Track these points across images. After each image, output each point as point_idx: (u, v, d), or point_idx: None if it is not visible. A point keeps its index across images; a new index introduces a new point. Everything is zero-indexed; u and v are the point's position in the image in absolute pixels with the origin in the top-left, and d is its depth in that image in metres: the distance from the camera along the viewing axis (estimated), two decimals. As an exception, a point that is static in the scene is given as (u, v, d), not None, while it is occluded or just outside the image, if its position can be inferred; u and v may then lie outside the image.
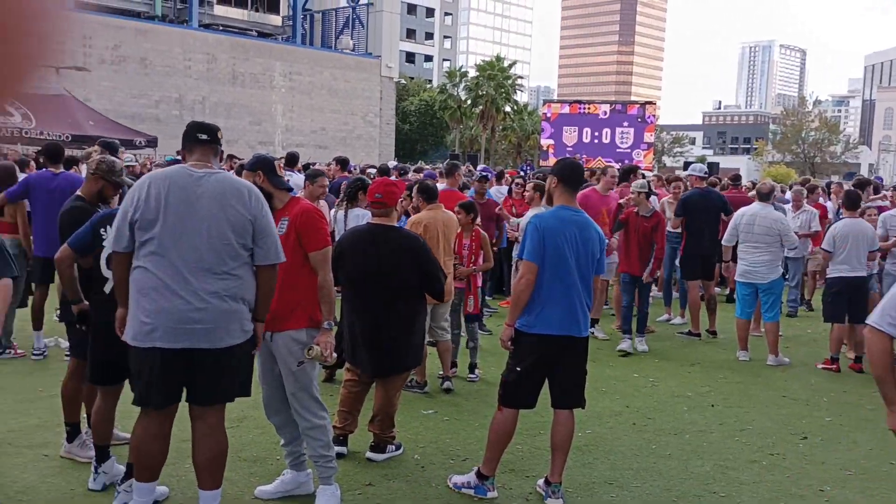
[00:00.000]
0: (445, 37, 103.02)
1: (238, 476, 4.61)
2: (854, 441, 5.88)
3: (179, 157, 14.67)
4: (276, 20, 42.00)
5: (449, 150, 54.77)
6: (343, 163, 12.36)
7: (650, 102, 35.05)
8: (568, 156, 32.27)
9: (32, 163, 9.88)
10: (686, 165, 17.73)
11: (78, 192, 4.94)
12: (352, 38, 42.69)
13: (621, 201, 8.80)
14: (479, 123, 57.46)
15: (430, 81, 77.68)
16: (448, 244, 6.39)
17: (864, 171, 60.67)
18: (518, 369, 4.44)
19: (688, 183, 10.37)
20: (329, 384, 6.54)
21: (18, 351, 7.15)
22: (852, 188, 10.11)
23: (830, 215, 11.83)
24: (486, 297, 9.62)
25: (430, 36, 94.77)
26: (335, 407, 5.15)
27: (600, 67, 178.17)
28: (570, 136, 32.01)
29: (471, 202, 7.32)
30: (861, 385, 7.40)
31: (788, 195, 12.04)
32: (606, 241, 4.80)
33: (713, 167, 24.74)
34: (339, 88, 41.23)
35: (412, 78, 68.56)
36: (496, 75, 56.23)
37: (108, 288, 4.17)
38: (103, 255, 4.19)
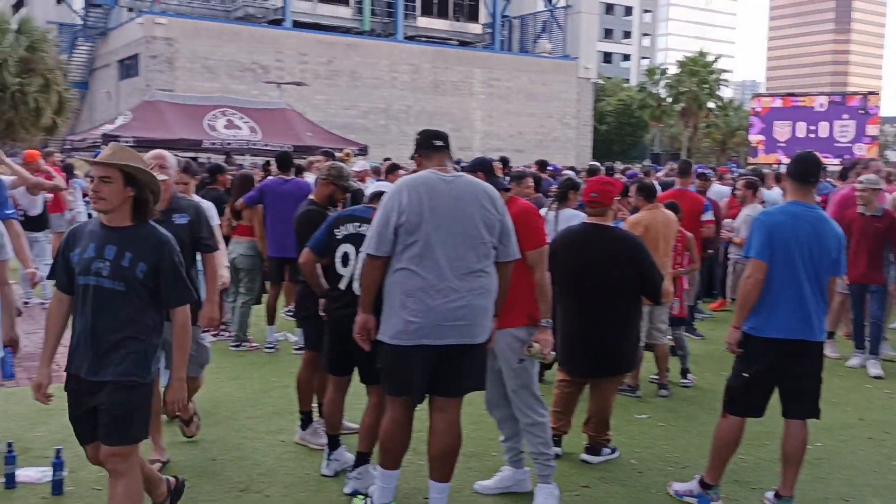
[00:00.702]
0: (644, 34, 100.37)
1: (456, 470, 4.71)
2: None
3: (378, 165, 15.08)
4: (476, 28, 42.94)
5: (649, 149, 53.31)
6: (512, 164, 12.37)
7: (873, 93, 32.29)
8: (779, 152, 30.33)
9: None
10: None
11: (310, 197, 5.29)
12: (549, 42, 42.78)
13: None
14: (681, 121, 55.43)
15: (628, 80, 76.05)
16: (667, 245, 6.20)
17: None
18: (745, 375, 4.21)
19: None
20: (539, 384, 6.53)
21: (253, 344, 7.79)
22: None
23: None
24: (697, 301, 9.23)
25: (627, 34, 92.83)
26: (548, 407, 5.14)
27: (814, 58, 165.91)
28: (781, 131, 30.27)
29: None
30: None
31: None
32: (845, 240, 4.46)
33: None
34: (537, 92, 41.45)
35: (609, 78, 67.48)
36: (699, 71, 54.02)
37: (342, 284, 4.44)
38: (338, 255, 4.46)
